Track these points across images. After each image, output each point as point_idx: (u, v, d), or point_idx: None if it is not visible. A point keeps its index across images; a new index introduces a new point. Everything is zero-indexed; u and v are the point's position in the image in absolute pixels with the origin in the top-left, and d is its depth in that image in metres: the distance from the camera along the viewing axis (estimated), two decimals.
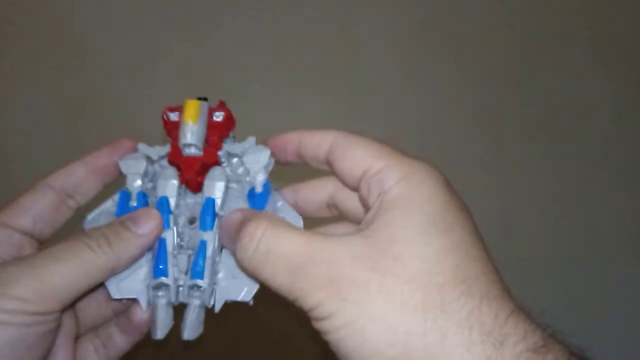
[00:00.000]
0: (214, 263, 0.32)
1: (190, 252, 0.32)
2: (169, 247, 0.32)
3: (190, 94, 0.82)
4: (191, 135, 0.32)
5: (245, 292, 0.31)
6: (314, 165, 0.32)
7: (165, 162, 0.34)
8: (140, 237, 0.30)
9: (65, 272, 0.27)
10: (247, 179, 0.34)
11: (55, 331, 0.28)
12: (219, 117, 0.34)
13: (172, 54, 0.82)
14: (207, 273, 0.31)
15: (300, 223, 0.32)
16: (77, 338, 0.33)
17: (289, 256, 0.26)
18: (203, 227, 0.32)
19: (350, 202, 0.32)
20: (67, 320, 0.32)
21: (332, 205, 0.34)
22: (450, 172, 0.31)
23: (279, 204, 0.33)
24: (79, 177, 0.33)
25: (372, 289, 0.24)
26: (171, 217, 0.32)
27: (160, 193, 0.33)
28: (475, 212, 0.30)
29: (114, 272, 0.29)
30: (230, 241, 0.29)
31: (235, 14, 0.81)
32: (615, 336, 0.89)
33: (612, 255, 0.93)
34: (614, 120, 0.90)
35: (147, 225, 0.30)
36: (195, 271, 0.31)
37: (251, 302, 0.32)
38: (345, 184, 0.31)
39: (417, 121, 0.87)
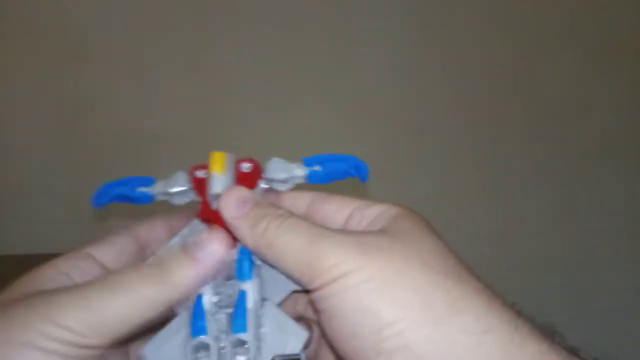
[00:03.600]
0: (257, 316, 0.29)
1: (229, 310, 0.30)
2: (207, 305, 0.29)
3: (190, 94, 0.82)
4: (218, 185, 0.31)
5: (294, 343, 0.29)
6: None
7: (197, 224, 0.33)
8: (203, 265, 0.28)
9: (117, 306, 0.26)
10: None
11: None
12: (246, 167, 0.33)
13: (173, 54, 0.82)
14: (250, 326, 0.29)
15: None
16: None
17: (312, 226, 0.28)
18: (241, 277, 0.30)
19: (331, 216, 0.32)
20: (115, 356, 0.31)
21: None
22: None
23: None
24: (157, 232, 0.33)
25: (395, 253, 0.26)
26: None
27: None
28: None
29: (170, 305, 0.28)
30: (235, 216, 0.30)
31: (236, 15, 0.81)
32: (613, 335, 0.90)
33: (612, 255, 0.93)
34: (613, 121, 0.90)
35: (210, 251, 0.29)
36: (237, 324, 0.29)
37: (303, 356, 0.29)
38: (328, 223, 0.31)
39: (414, 124, 0.87)
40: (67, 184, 0.83)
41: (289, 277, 0.28)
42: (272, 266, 0.29)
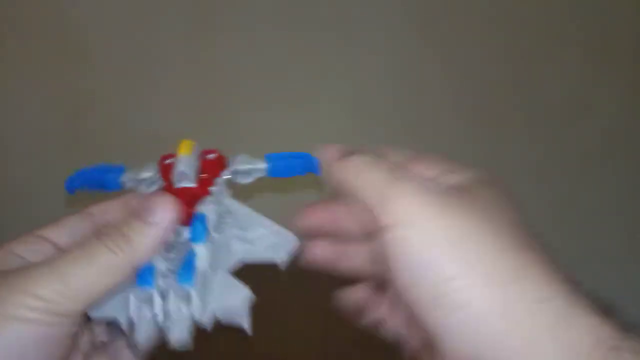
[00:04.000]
0: (205, 279, 0.30)
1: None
2: (159, 264, 0.30)
3: (190, 94, 0.82)
4: (183, 165, 0.33)
5: (235, 297, 0.30)
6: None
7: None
8: (157, 227, 0.29)
9: (86, 275, 0.28)
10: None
11: (76, 336, 0.29)
12: (211, 156, 0.35)
13: (173, 54, 0.82)
14: (197, 281, 0.29)
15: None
16: (88, 356, 0.34)
17: (401, 167, 0.30)
18: (194, 239, 0.30)
19: None
20: (84, 335, 0.33)
21: None
22: None
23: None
24: (114, 212, 0.34)
25: (471, 214, 0.27)
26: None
27: None
28: None
29: (137, 267, 0.29)
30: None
31: (236, 15, 0.81)
32: None
33: (612, 255, 0.93)
34: (613, 121, 0.90)
35: (162, 213, 0.30)
36: (184, 275, 0.29)
37: (247, 325, 0.30)
38: None
39: (414, 124, 0.87)
40: None
41: (361, 204, 0.29)
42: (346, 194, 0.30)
